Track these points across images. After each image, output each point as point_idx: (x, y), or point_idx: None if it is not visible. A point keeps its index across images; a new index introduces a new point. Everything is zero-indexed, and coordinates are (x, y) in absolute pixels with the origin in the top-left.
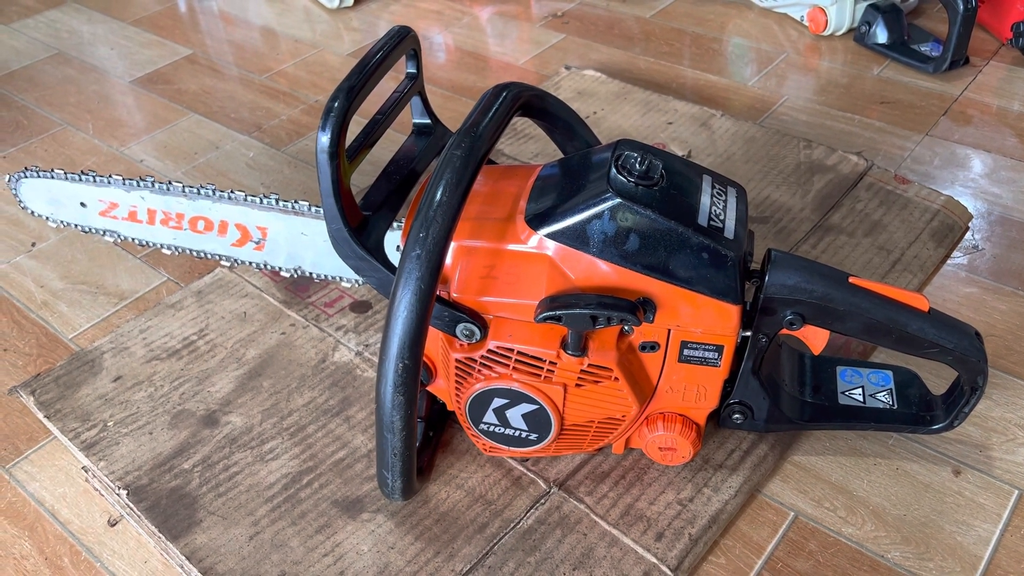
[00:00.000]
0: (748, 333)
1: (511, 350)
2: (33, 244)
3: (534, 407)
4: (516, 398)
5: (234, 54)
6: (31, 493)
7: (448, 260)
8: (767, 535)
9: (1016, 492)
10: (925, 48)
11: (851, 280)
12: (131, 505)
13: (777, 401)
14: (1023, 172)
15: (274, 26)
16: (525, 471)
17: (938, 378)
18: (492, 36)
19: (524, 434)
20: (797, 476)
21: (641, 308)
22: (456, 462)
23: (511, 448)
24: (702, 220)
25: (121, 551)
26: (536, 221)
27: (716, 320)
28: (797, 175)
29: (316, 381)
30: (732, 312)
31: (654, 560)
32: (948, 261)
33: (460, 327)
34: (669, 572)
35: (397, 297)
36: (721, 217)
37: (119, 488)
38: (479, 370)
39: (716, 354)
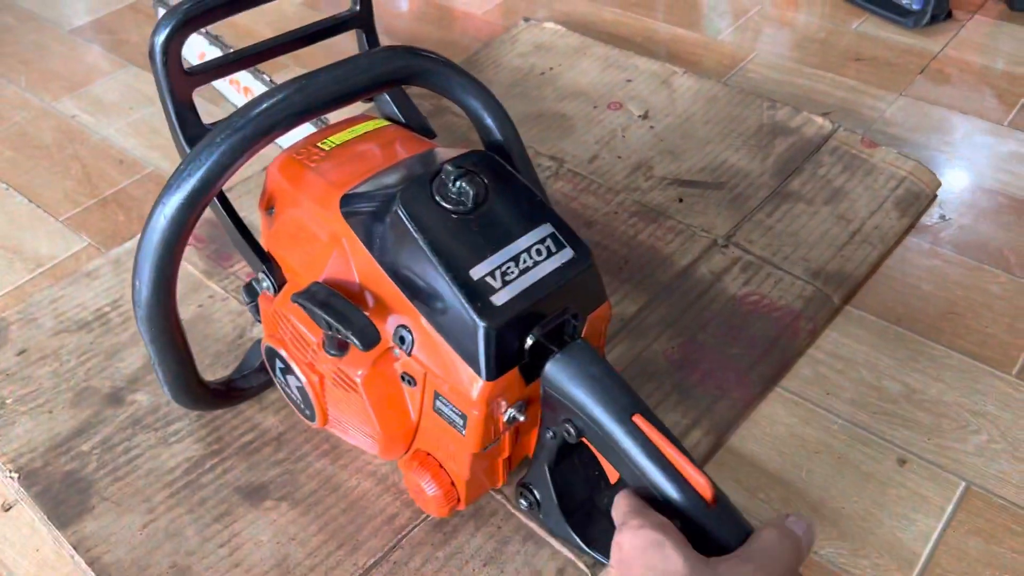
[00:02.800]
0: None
1: (288, 318)
2: None
3: (300, 383)
4: (288, 368)
5: None
6: None
7: (276, 202)
8: None
9: (963, 484)
10: (906, 1)
11: (635, 418)
12: (23, 489)
13: (566, 509)
14: (1000, 136)
15: None
16: None
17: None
18: None
19: (301, 406)
20: (732, 464)
21: (378, 335)
22: None
23: (303, 417)
24: (478, 272)
25: (13, 538)
26: (347, 199)
27: (462, 384)
28: (758, 138)
29: (231, 358)
30: (474, 383)
31: (570, 556)
32: (911, 232)
33: (259, 273)
34: (585, 569)
35: (159, 200)
36: (509, 278)
37: (10, 471)
38: (272, 323)
39: (462, 421)
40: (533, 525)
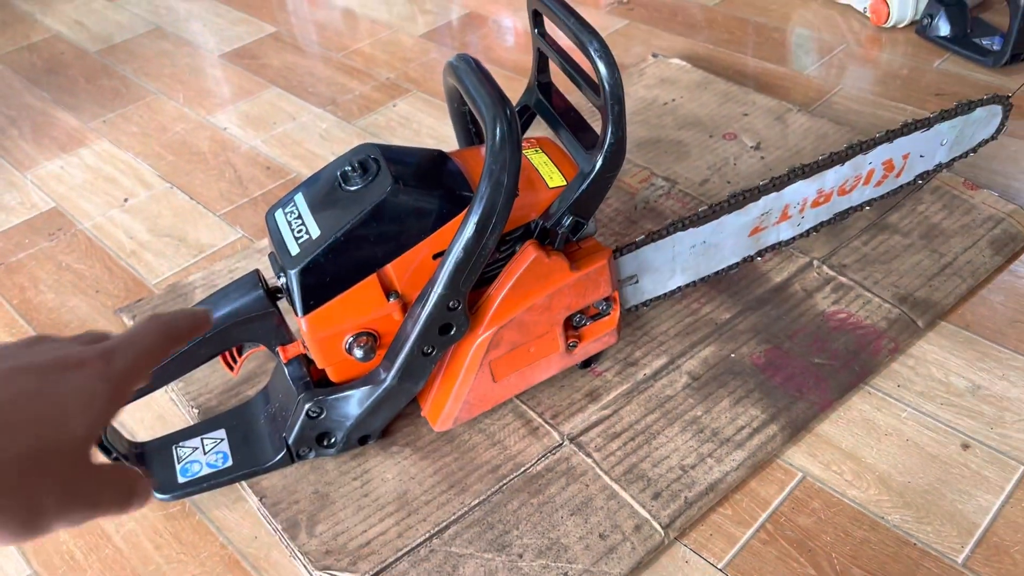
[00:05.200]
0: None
1: None
2: (125, 199)
3: None
4: None
5: (315, 32)
6: None
7: None
8: (774, 492)
9: (1022, 468)
10: (987, 42)
11: None
12: None
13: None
14: None
15: (354, 7)
16: (543, 423)
17: None
18: None
19: None
20: (809, 440)
21: None
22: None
23: None
24: (317, 235)
25: None
26: None
27: None
28: None
29: None
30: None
31: (647, 516)
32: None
33: None
34: (659, 528)
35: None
36: (298, 234)
37: (192, 407)
38: None
39: None
40: (617, 487)
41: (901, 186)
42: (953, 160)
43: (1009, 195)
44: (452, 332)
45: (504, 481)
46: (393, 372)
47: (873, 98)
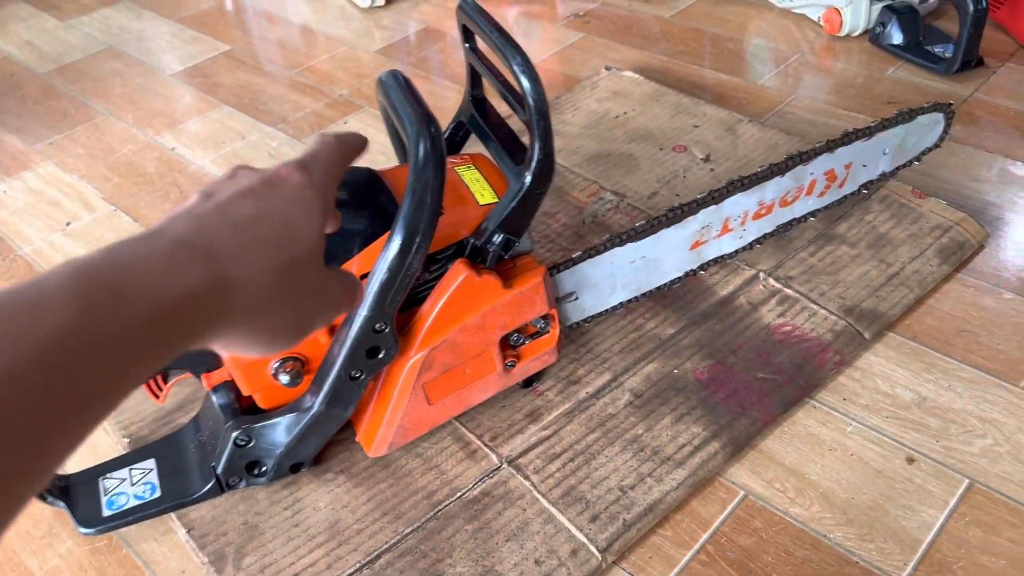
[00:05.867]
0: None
1: None
2: (68, 223)
3: None
4: None
5: (270, 50)
6: None
7: None
8: (715, 511)
9: (966, 481)
10: (939, 49)
11: None
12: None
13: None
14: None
15: (311, 24)
16: (482, 445)
17: None
18: (516, 35)
19: None
20: (752, 458)
21: None
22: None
23: None
24: None
25: None
26: None
27: None
28: None
29: None
30: None
31: (584, 540)
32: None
33: None
34: (596, 552)
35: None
36: None
37: (122, 436)
38: None
39: None
40: (554, 511)
41: (845, 196)
42: (897, 169)
43: (958, 203)
44: (381, 355)
45: (439, 507)
46: (320, 398)
47: (826, 107)
